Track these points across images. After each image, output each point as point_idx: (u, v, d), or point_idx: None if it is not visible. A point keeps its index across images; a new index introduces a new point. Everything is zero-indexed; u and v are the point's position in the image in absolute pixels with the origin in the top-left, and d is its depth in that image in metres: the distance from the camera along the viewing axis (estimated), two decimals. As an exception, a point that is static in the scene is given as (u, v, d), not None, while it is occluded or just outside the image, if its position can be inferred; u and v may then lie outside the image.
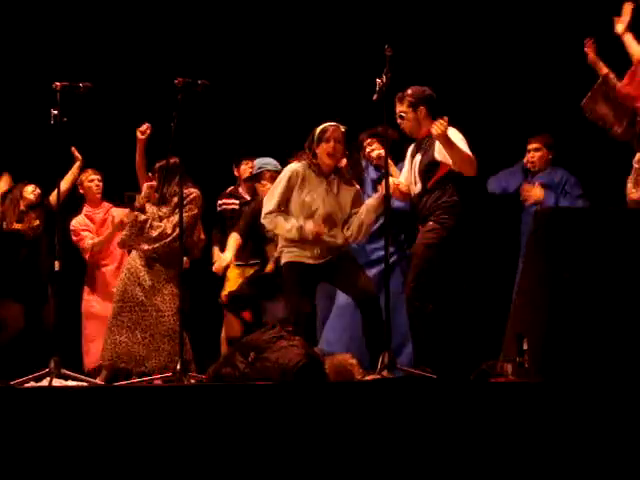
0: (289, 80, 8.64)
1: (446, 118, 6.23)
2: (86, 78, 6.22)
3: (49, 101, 6.02)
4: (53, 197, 7.57)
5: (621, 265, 5.17)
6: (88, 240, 7.92)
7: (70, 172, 7.93)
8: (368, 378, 5.64)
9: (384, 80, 5.90)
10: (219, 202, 8.03)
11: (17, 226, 7.67)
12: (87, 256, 7.94)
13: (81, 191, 8.11)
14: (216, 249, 7.76)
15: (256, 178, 7.46)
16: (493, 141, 8.03)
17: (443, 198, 6.41)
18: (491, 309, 7.09)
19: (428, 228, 6.41)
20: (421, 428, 4.56)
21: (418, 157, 6.55)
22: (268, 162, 7.46)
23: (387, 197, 6.04)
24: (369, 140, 7.11)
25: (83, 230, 7.97)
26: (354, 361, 5.68)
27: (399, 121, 6.55)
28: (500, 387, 4.91)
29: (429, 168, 6.46)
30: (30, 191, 7.82)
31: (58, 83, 6.03)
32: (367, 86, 5.97)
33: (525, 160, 7.74)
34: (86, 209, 8.12)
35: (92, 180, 8.07)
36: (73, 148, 7.86)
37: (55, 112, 5.98)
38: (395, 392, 4.71)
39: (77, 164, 7.95)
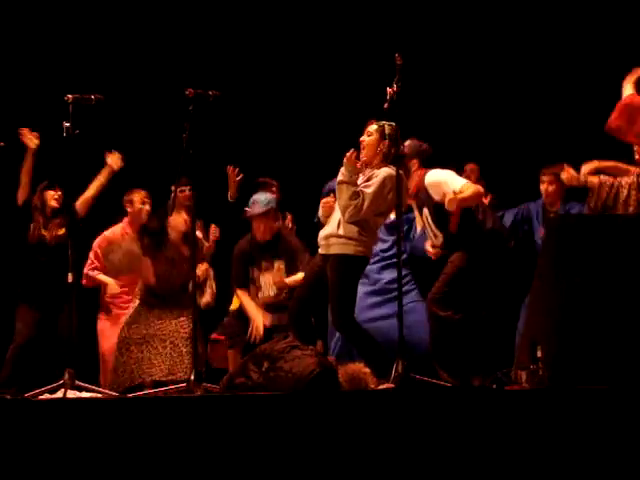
0: (300, 90, 8.64)
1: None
2: (97, 90, 6.24)
3: (61, 113, 6.04)
4: (80, 203, 7.21)
5: (633, 271, 5.16)
6: (89, 270, 7.61)
7: (97, 178, 7.42)
8: (382, 387, 5.64)
9: (395, 89, 5.92)
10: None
11: (44, 232, 7.49)
12: (83, 282, 7.61)
13: (128, 209, 7.72)
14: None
15: (264, 215, 7.35)
16: (502, 151, 8.03)
17: (472, 235, 6.59)
18: (505, 317, 7.10)
19: (461, 254, 6.60)
20: (435, 436, 4.55)
21: (425, 210, 6.66)
22: (272, 199, 7.26)
23: (399, 206, 6.03)
24: None
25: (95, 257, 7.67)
26: (367, 370, 5.68)
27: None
28: (514, 395, 4.90)
29: (440, 213, 6.55)
30: (52, 196, 7.42)
31: (70, 95, 6.05)
32: (378, 95, 5.98)
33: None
34: (122, 225, 7.74)
35: (145, 203, 7.64)
36: (107, 154, 7.34)
37: (67, 124, 5.99)
38: (409, 400, 4.71)
39: (107, 170, 7.41)
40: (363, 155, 6.31)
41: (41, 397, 5.70)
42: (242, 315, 7.30)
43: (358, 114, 7.16)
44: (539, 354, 5.12)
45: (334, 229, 6.26)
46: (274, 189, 7.73)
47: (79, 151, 6.26)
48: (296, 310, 6.44)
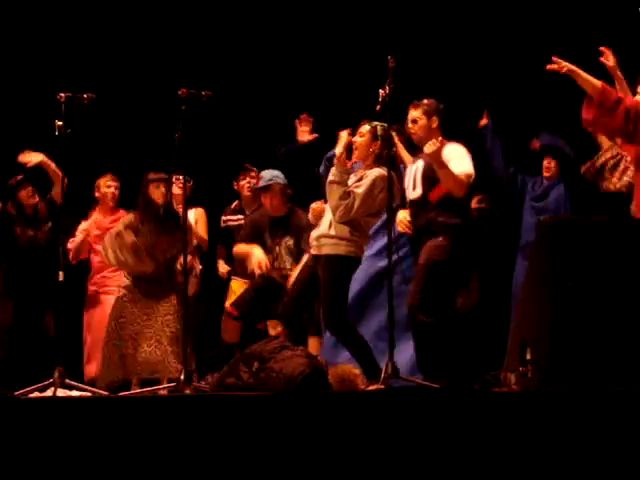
0: (292, 91, 8.66)
1: (441, 139, 6.32)
2: (90, 89, 6.24)
3: (53, 112, 6.04)
4: (56, 193, 7.26)
5: (624, 273, 5.18)
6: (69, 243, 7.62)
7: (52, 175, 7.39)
8: (371, 388, 5.64)
9: (387, 91, 5.93)
10: (224, 218, 8.03)
11: (31, 233, 7.48)
12: (70, 257, 7.63)
13: (97, 195, 7.87)
14: (221, 262, 7.92)
15: (265, 190, 7.47)
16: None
17: (451, 219, 6.48)
18: (494, 318, 7.11)
19: (437, 243, 6.46)
20: (424, 438, 4.56)
21: (420, 162, 6.58)
22: (278, 175, 7.50)
23: (390, 206, 6.04)
24: None
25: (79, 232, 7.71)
26: (357, 371, 5.69)
27: (410, 125, 6.63)
28: (503, 397, 4.91)
29: (432, 174, 6.47)
30: (27, 195, 7.54)
31: (62, 94, 6.05)
32: (370, 97, 6.00)
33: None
34: (96, 215, 7.86)
35: (110, 186, 7.82)
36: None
37: (59, 123, 5.99)
38: (398, 402, 4.72)
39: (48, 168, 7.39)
40: (355, 155, 6.33)
41: (31, 395, 5.70)
42: (260, 292, 7.34)
43: (350, 115, 7.17)
44: (528, 356, 5.13)
45: (325, 229, 6.28)
46: (253, 174, 7.83)
47: (71, 150, 6.28)
48: (289, 311, 6.46)
